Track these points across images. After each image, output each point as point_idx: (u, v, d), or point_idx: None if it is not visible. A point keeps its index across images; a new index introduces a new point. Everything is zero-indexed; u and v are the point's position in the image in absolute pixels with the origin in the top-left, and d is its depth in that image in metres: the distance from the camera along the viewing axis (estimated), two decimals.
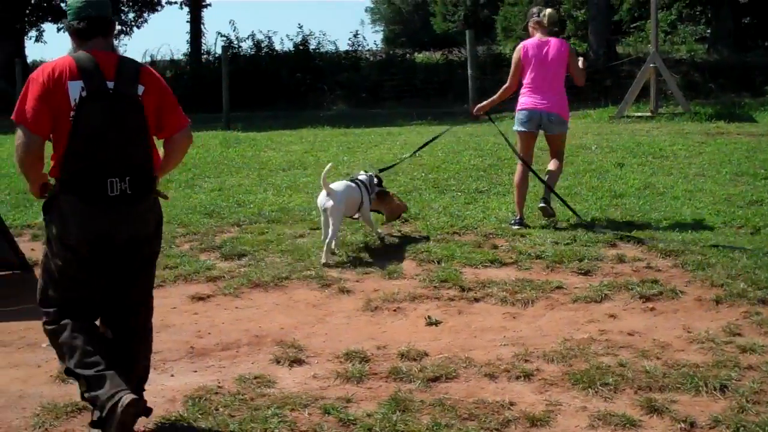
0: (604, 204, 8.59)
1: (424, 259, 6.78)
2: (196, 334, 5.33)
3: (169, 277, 6.44)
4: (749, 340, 4.95)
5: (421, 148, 9.09)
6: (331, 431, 3.97)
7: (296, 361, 4.82)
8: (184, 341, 5.19)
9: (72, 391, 4.41)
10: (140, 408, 3.67)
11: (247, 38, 27.25)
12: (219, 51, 24.47)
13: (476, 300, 5.88)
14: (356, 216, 7.24)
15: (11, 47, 25.77)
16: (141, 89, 3.78)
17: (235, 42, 26.98)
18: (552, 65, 7.81)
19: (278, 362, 4.82)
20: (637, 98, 16.67)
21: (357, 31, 39.84)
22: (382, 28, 69.81)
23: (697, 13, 31.38)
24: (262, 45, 27.13)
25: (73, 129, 3.65)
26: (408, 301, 5.86)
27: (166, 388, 4.49)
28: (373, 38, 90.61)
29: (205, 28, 30.25)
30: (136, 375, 3.97)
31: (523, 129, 7.93)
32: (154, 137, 3.94)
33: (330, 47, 27.71)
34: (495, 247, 7.10)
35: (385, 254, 6.97)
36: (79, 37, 3.81)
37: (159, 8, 31.90)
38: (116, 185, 3.70)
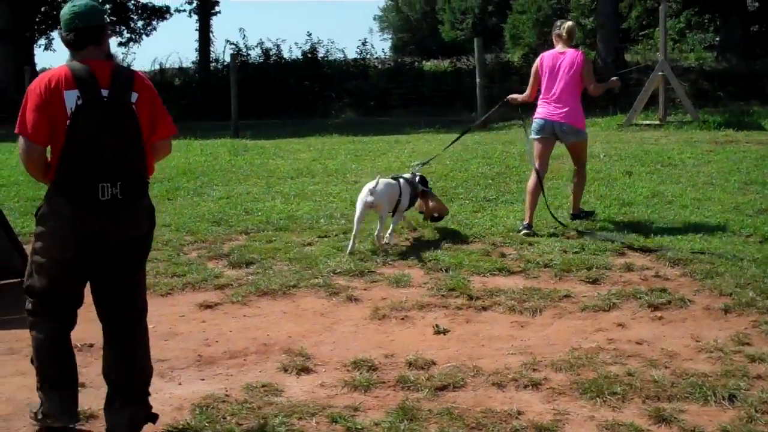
0: (612, 212, 8.58)
1: (432, 268, 6.78)
2: (203, 342, 5.33)
3: (177, 285, 6.45)
4: (758, 350, 4.93)
5: (457, 139, 9.56)
6: None
7: (304, 370, 4.82)
8: (191, 349, 5.20)
9: (80, 398, 4.42)
10: None
11: (256, 46, 27.37)
12: (228, 59, 24.52)
13: (484, 308, 5.87)
14: (392, 212, 7.59)
15: (21, 55, 25.92)
16: (135, 97, 3.89)
17: (244, 50, 27.07)
18: (565, 76, 7.99)
19: (286, 370, 4.82)
20: (646, 106, 16.66)
21: (365, 39, 40.04)
22: (390, 36, 70.00)
23: (706, 21, 31.35)
24: (271, 53, 27.20)
25: (68, 136, 3.77)
26: (416, 310, 5.86)
27: (173, 396, 4.49)
28: (381, 46, 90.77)
29: (213, 36, 30.40)
30: (137, 377, 4.02)
31: (536, 137, 8.18)
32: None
33: (338, 55, 27.78)
34: (503, 255, 7.10)
35: (392, 262, 6.97)
36: (72, 47, 3.93)
37: (168, 16, 32.02)
38: (107, 190, 3.81)
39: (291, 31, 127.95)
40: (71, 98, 3.75)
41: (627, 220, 8.25)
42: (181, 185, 10.60)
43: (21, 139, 3.81)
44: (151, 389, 4.16)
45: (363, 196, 7.26)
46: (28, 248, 7.10)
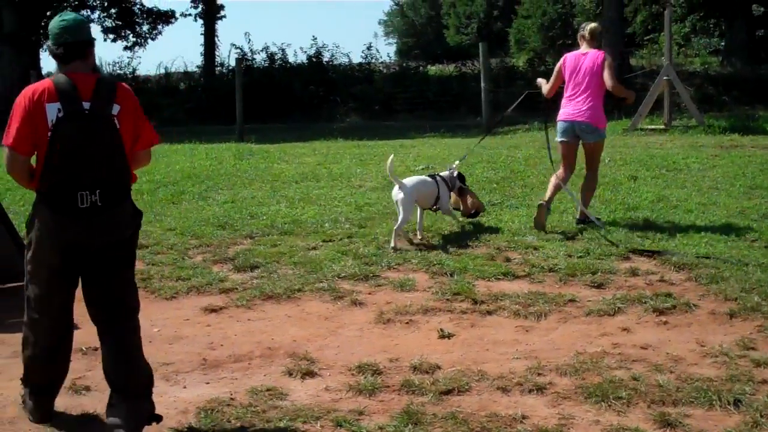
0: (617, 217, 8.58)
1: (436, 272, 6.78)
2: (208, 346, 5.34)
3: (181, 289, 6.46)
4: (763, 354, 4.92)
5: (488, 131, 10.09)
6: None
7: (308, 374, 4.82)
8: (196, 353, 5.20)
9: (85, 401, 4.44)
10: None
11: (261, 50, 27.49)
12: (233, 63, 24.61)
13: (489, 313, 5.87)
14: (435, 208, 7.97)
15: (27, 59, 26.02)
16: (117, 109, 3.99)
17: (249, 54, 27.13)
18: (585, 76, 8.13)
19: (290, 374, 4.82)
20: (651, 111, 16.66)
21: (370, 43, 40.19)
22: (395, 41, 70.15)
23: (711, 25, 31.37)
24: (276, 57, 27.29)
25: (50, 147, 3.88)
26: (420, 314, 5.86)
27: (178, 399, 4.50)
28: (386, 50, 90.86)
29: (219, 40, 30.39)
30: (135, 374, 4.05)
31: (560, 139, 8.33)
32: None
33: (343, 59, 27.87)
34: (508, 259, 7.09)
35: (397, 266, 6.97)
36: (59, 60, 4.03)
37: (173, 20, 32.05)
38: (86, 198, 3.91)
39: (296, 35, 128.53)
40: (53, 111, 3.87)
41: (632, 224, 8.23)
42: (186, 189, 10.61)
43: (6, 149, 3.95)
44: (155, 392, 4.18)
45: (394, 193, 7.68)
46: None
